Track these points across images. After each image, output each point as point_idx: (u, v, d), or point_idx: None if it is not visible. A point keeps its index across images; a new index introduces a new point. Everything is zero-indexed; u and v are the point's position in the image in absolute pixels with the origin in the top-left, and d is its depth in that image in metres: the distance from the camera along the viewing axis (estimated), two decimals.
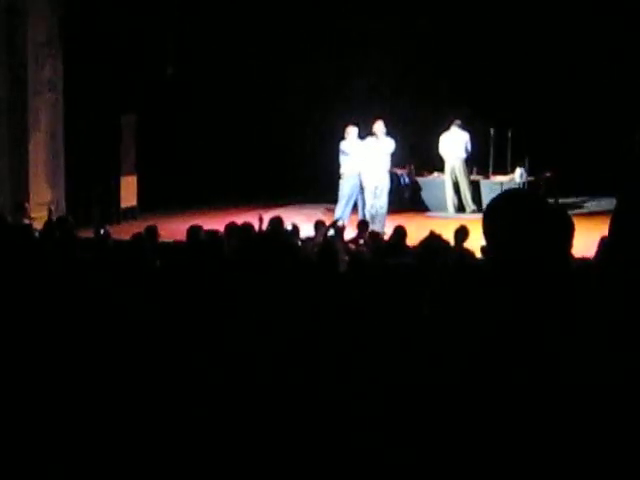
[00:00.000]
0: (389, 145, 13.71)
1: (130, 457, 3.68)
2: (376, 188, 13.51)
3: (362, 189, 13.62)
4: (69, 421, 3.90)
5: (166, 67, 15.80)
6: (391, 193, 13.96)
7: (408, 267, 4.55)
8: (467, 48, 17.26)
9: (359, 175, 13.59)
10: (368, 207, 13.48)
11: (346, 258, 7.55)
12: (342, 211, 13.48)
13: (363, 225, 11.10)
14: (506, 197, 2.67)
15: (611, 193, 15.42)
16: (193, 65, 16.79)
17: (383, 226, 12.93)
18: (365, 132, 13.85)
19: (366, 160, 13.51)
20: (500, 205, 2.57)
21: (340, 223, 11.36)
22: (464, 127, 15.63)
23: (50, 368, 4.35)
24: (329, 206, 14.80)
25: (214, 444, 3.67)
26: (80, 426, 3.85)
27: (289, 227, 9.94)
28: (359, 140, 13.76)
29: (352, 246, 9.57)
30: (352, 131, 13.77)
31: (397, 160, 14.55)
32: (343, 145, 13.70)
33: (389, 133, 13.77)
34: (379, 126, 13.64)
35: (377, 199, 13.50)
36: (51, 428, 3.87)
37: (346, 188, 13.61)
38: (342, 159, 13.67)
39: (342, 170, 13.68)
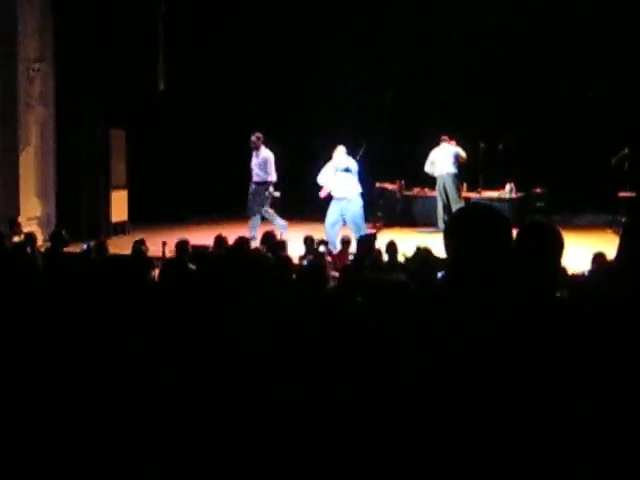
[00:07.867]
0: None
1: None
2: None
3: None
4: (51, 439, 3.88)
5: (157, 83, 15.80)
6: (383, 208, 13.99)
7: (404, 284, 4.53)
8: (457, 63, 17.32)
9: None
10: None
11: (335, 274, 7.53)
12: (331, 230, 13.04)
13: (346, 242, 10.88)
14: (465, 213, 2.67)
15: (599, 208, 15.57)
16: (183, 80, 16.81)
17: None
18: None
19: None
20: (460, 221, 2.57)
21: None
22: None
23: (40, 382, 4.33)
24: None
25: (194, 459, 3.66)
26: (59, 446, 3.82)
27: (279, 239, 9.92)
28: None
29: (337, 262, 9.46)
30: (339, 150, 12.88)
31: (388, 176, 14.52)
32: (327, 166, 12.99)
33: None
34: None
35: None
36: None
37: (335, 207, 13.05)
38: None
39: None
